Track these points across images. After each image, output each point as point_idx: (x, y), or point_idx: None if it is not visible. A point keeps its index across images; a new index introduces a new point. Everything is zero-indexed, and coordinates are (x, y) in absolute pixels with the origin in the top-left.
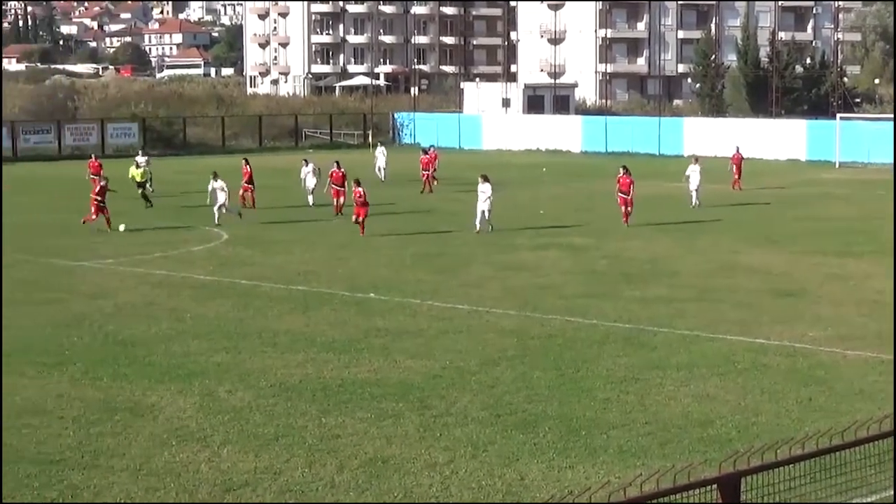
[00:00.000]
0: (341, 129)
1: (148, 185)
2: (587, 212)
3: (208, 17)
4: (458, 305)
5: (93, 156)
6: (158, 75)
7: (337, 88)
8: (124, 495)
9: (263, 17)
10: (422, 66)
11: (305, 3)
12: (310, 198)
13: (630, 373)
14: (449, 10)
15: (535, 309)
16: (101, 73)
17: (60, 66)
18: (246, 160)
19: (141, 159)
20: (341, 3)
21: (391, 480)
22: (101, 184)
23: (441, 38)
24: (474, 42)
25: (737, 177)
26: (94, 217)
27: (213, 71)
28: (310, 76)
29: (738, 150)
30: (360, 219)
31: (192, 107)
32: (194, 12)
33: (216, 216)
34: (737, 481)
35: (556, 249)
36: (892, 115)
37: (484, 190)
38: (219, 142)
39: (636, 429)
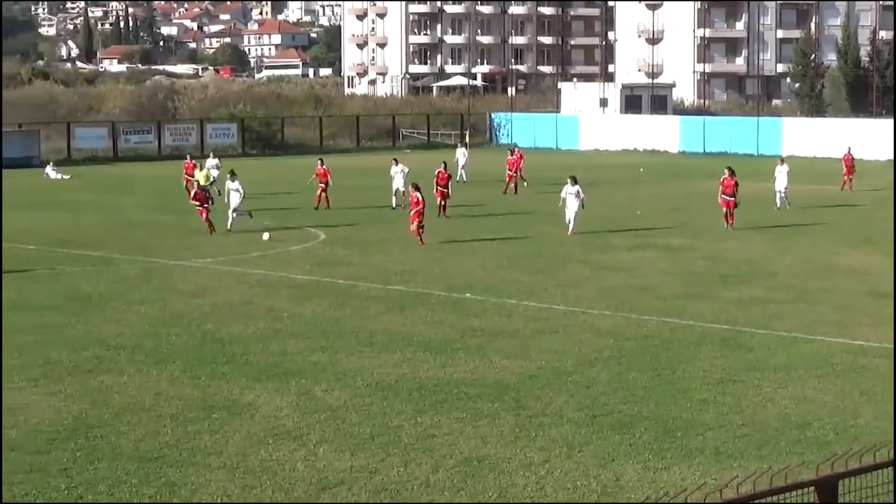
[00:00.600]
0: (438, 129)
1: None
2: (684, 212)
3: (307, 18)
4: (553, 306)
5: (188, 156)
6: (257, 76)
7: (434, 88)
8: (221, 493)
9: (361, 17)
10: (519, 67)
11: (403, 3)
12: (393, 199)
13: (727, 374)
14: (546, 10)
15: (631, 309)
16: (200, 73)
17: (160, 67)
18: (321, 160)
19: (211, 161)
20: (439, 4)
21: (486, 480)
22: (195, 190)
23: (538, 38)
24: (572, 42)
25: (848, 177)
26: (207, 222)
27: (311, 71)
28: (407, 76)
29: (849, 151)
30: (417, 225)
31: (291, 107)
32: (293, 13)
33: (229, 220)
34: (835, 484)
35: (652, 250)
36: None
37: (572, 192)
38: (316, 142)
39: (733, 430)
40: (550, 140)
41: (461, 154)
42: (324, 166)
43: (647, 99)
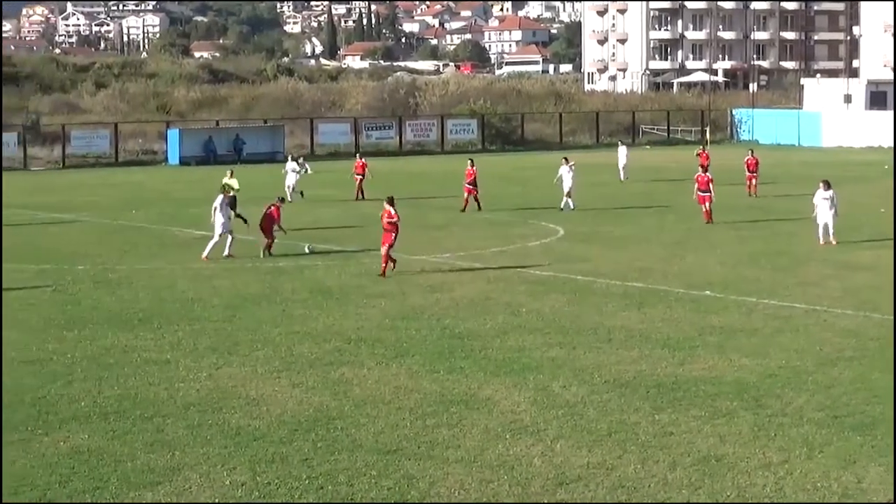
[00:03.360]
0: (678, 125)
1: (290, 192)
2: None
3: (547, 15)
4: (794, 304)
5: (357, 155)
6: (497, 72)
7: (674, 84)
8: (458, 486)
9: (602, 13)
10: (761, 62)
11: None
12: (566, 199)
13: None
14: (789, 5)
15: (874, 309)
16: (441, 70)
17: (402, 64)
18: (471, 161)
19: (292, 164)
20: (680, 0)
21: (724, 479)
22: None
23: (781, 33)
24: (815, 37)
25: None
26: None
27: (551, 68)
28: (647, 72)
29: None
30: (388, 248)
31: (531, 103)
32: (533, 10)
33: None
34: None
35: None
36: None
37: (826, 198)
38: (556, 138)
39: None
40: (792, 137)
41: (622, 153)
42: (473, 167)
43: (892, 95)
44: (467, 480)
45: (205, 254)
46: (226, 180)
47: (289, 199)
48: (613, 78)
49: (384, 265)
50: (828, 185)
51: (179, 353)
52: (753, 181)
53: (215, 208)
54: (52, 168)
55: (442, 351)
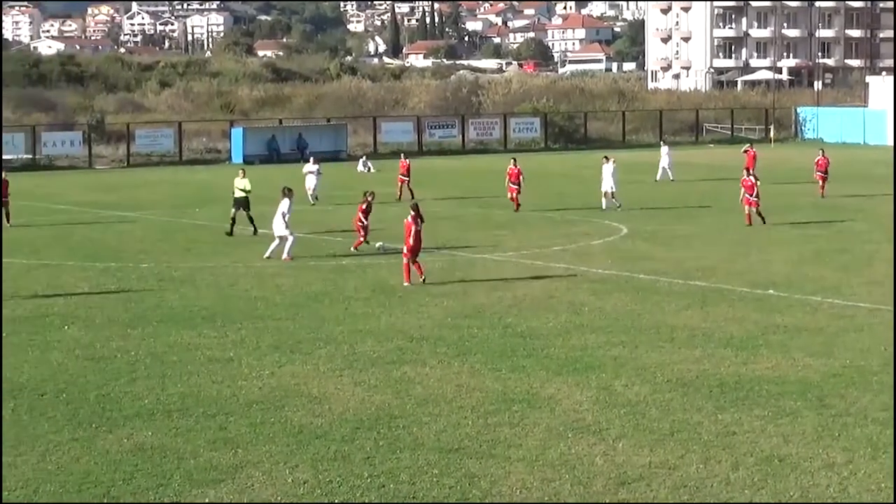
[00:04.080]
0: (742, 123)
1: (311, 195)
2: None
3: (611, 13)
4: (859, 303)
5: (402, 154)
6: (560, 70)
7: (739, 83)
8: (520, 485)
9: (666, 11)
10: (826, 60)
11: None
12: (609, 199)
13: None
14: (855, 3)
15: None
16: (504, 68)
17: (465, 62)
18: (514, 160)
19: (312, 167)
20: None
21: (787, 480)
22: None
23: (846, 30)
24: (881, 35)
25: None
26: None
27: (614, 66)
28: (711, 70)
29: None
30: (409, 259)
31: (594, 101)
32: (597, 8)
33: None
34: None
35: None
36: None
37: None
38: (619, 136)
39: None
40: (858, 135)
41: (665, 153)
42: (517, 166)
43: None
44: (529, 479)
45: (284, 255)
46: (237, 181)
47: (310, 202)
48: (677, 76)
49: (406, 273)
50: None
51: (242, 350)
52: (823, 182)
53: (283, 213)
54: (117, 166)
55: (504, 349)
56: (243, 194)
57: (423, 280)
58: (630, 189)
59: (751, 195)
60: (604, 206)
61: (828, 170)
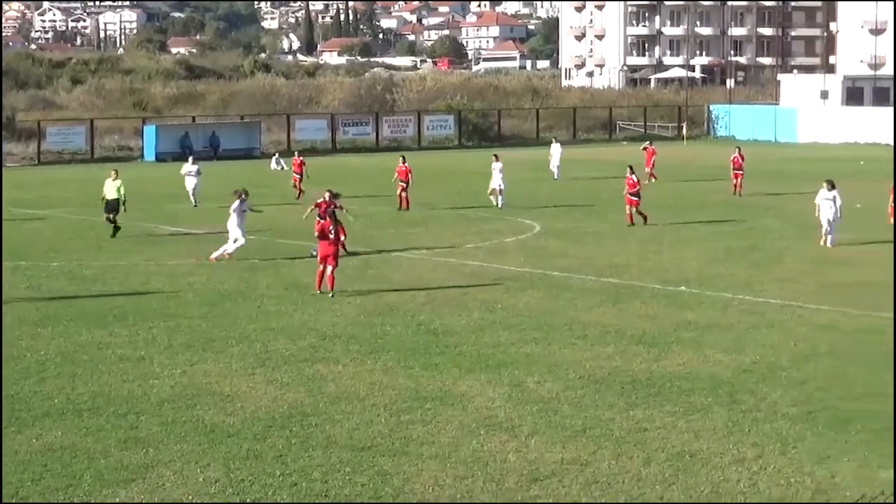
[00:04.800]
0: (655, 121)
1: (192, 196)
2: None
3: (525, 11)
4: (770, 300)
5: (401, 158)
6: (475, 68)
7: (652, 80)
8: (433, 482)
9: (580, 9)
10: (738, 58)
11: None
12: (491, 198)
13: None
14: (767, 2)
15: (851, 304)
16: (418, 66)
17: (379, 60)
18: (403, 157)
19: (191, 167)
20: None
21: (698, 475)
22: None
23: (758, 29)
24: (792, 33)
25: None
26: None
27: (528, 63)
28: (625, 68)
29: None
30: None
31: (508, 99)
32: (511, 5)
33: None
34: None
35: (874, 244)
36: None
37: (828, 197)
38: (533, 134)
39: None
40: (769, 133)
41: (555, 150)
42: (405, 164)
43: (869, 91)
44: (442, 477)
45: (214, 254)
46: (108, 182)
47: (192, 203)
48: (591, 74)
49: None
50: (832, 185)
51: (154, 349)
52: (739, 180)
53: (233, 212)
54: (28, 164)
55: (417, 347)
56: (115, 197)
57: (332, 295)
58: (541, 186)
59: (632, 194)
60: (497, 204)
61: (743, 167)
